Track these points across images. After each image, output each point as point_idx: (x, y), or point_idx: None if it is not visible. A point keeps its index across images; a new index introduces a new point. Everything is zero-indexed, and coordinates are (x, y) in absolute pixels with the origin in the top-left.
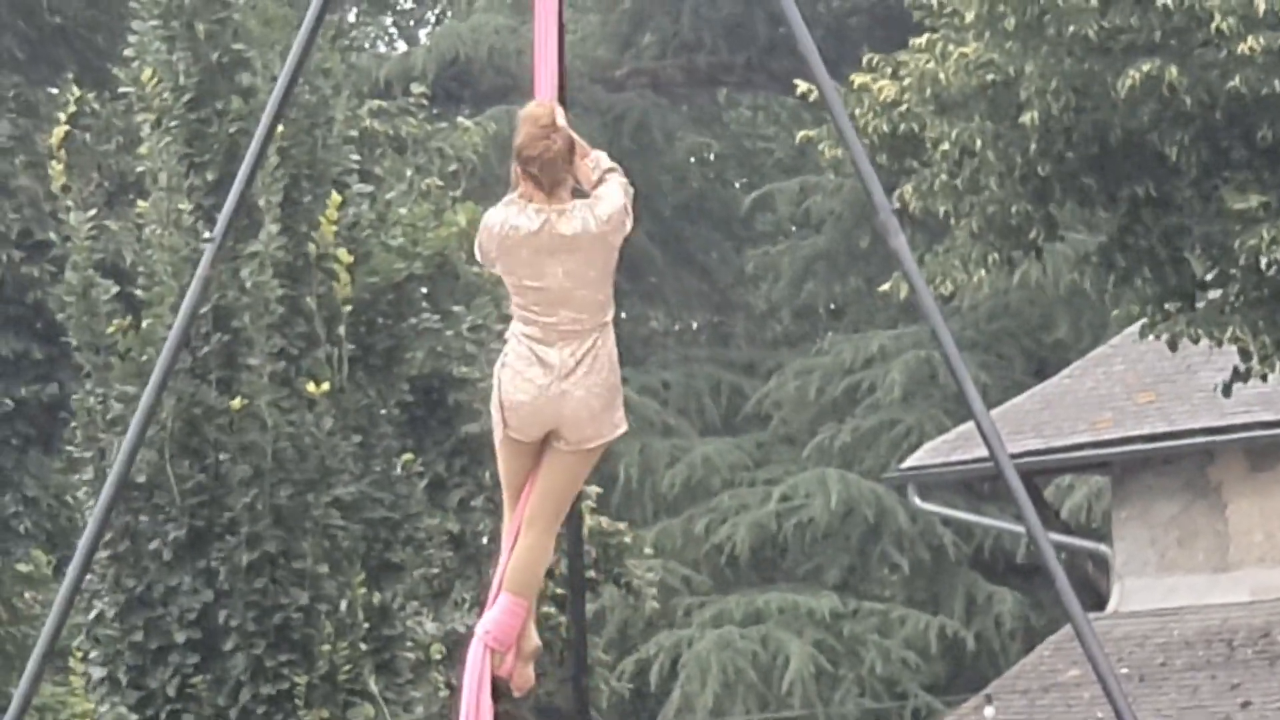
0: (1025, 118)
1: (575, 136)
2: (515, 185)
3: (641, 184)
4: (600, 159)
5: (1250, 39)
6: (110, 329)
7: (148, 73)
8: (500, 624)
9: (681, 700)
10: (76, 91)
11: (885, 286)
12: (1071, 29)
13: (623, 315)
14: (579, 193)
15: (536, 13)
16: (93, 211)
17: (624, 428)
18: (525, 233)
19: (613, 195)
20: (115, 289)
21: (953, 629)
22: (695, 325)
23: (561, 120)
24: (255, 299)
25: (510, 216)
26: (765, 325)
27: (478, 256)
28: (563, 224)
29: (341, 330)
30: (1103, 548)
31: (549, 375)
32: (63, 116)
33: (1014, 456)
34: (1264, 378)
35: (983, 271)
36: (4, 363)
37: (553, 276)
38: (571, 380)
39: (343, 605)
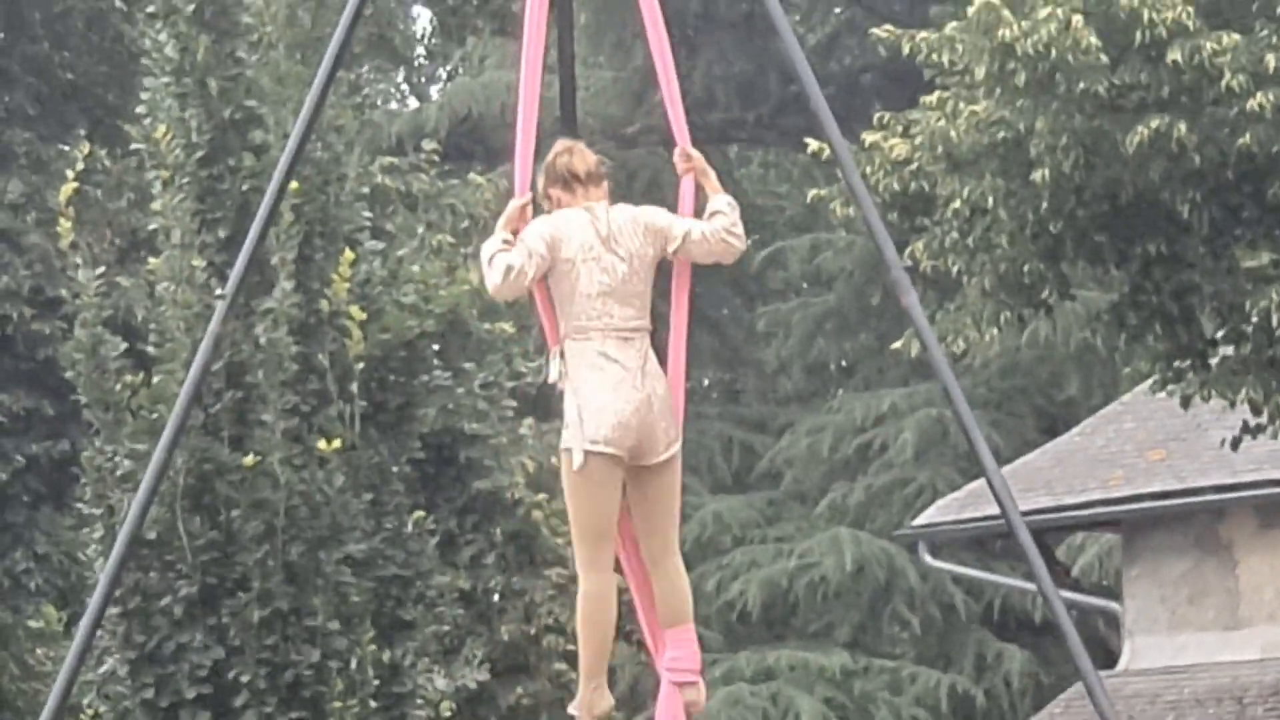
0: (1036, 175)
1: (709, 169)
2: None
3: None
4: (721, 203)
5: (1260, 95)
6: (119, 386)
7: (160, 129)
8: (685, 658)
9: None
10: (86, 148)
11: (897, 344)
12: (1082, 86)
13: None
14: None
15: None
16: (102, 269)
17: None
18: (585, 222)
19: (669, 215)
20: (124, 346)
21: (963, 686)
22: (706, 382)
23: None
24: (269, 355)
25: (560, 218)
26: (776, 382)
27: (514, 272)
28: (614, 213)
29: (354, 387)
30: (1113, 605)
31: (631, 375)
32: (71, 174)
33: (1025, 514)
34: (1276, 435)
35: (994, 329)
36: (15, 419)
37: (617, 270)
38: (649, 378)
39: (353, 662)
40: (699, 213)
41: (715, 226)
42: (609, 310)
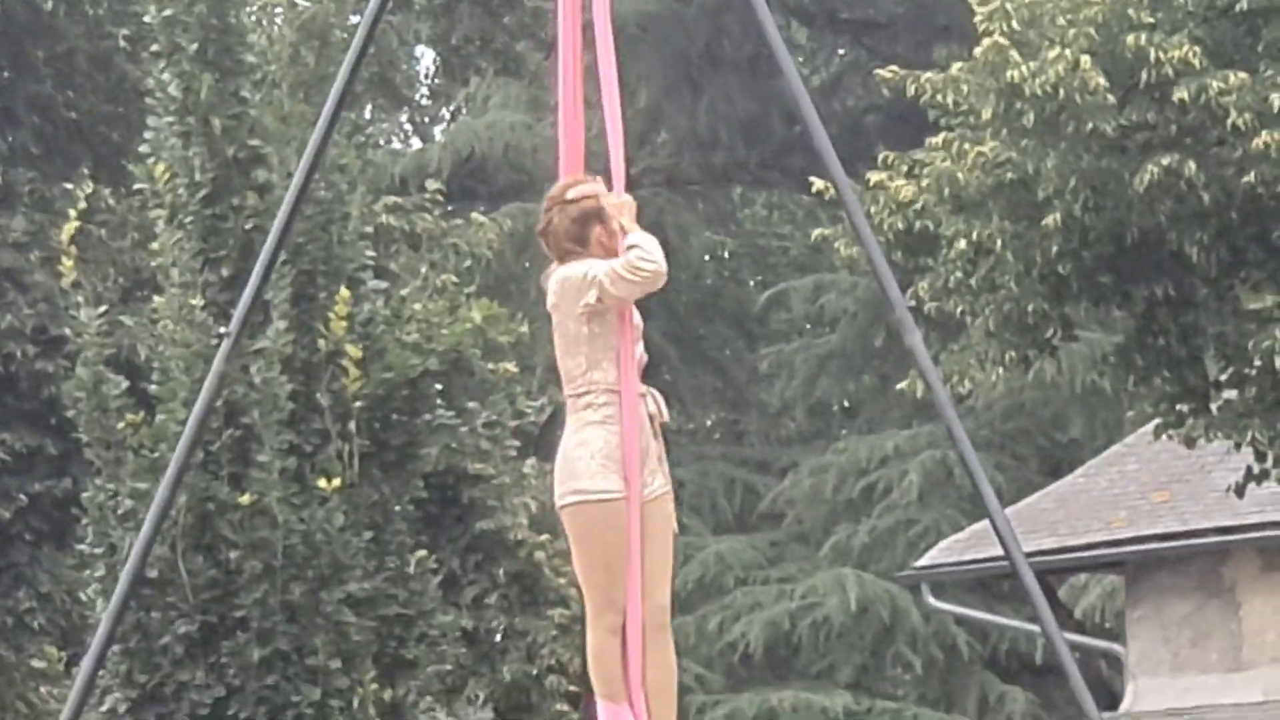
0: (1048, 219)
1: (614, 215)
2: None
3: None
4: (629, 240)
5: (1265, 134)
6: (121, 425)
7: (161, 168)
8: None
9: None
10: (89, 187)
11: (903, 385)
12: (1090, 126)
13: None
14: None
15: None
16: (104, 308)
17: (573, 500)
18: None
19: (577, 266)
20: (125, 384)
21: None
22: (709, 423)
23: (576, 193)
24: (265, 395)
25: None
26: (779, 423)
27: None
28: (552, 277)
29: (353, 426)
30: (1116, 647)
31: None
32: (73, 212)
33: (1028, 555)
34: None
35: (999, 370)
36: (18, 458)
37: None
38: (560, 443)
39: (355, 702)
40: None
41: (624, 259)
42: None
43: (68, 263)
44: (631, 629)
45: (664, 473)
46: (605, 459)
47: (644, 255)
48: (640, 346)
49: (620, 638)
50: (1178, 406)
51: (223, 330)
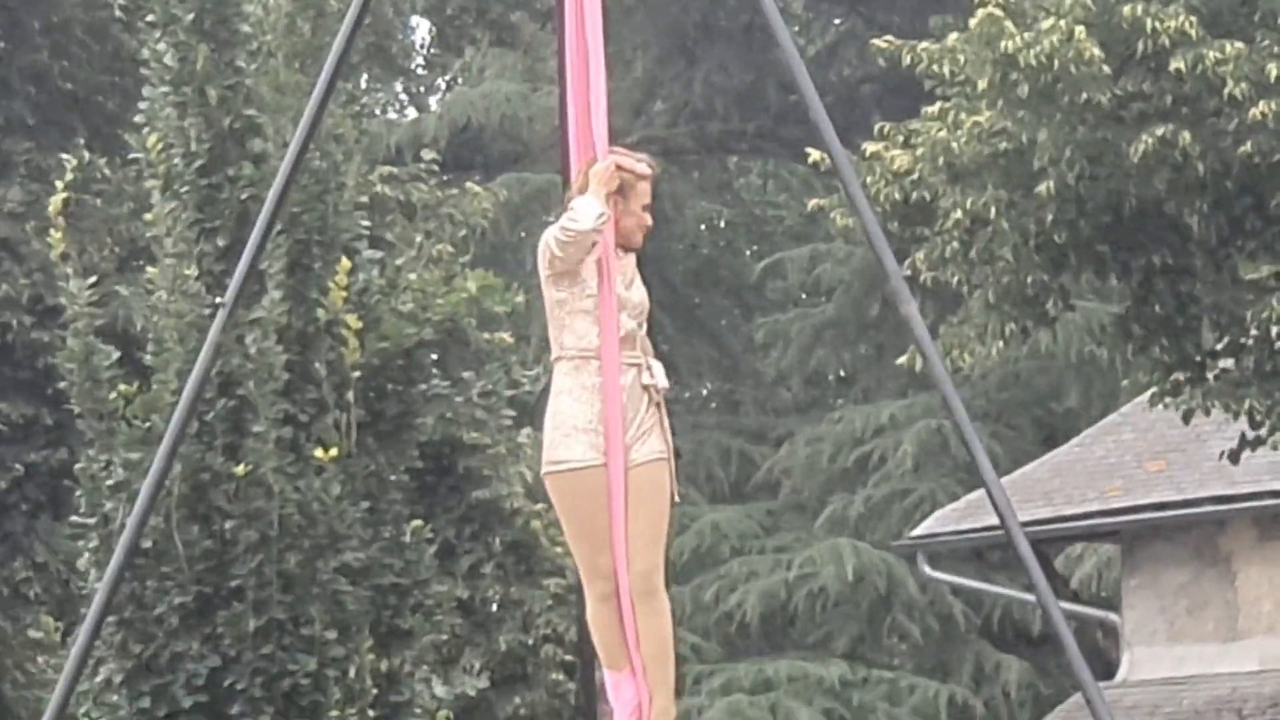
0: (1041, 187)
1: (590, 179)
2: None
3: (652, 251)
4: (572, 202)
5: (1262, 104)
6: (113, 395)
7: (156, 138)
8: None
9: None
10: (80, 157)
11: (901, 359)
12: (1085, 96)
13: None
14: None
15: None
16: (94, 279)
17: (545, 471)
18: None
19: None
20: (117, 355)
21: (962, 697)
22: (705, 392)
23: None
24: (260, 365)
25: None
26: (775, 393)
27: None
28: None
29: (350, 396)
30: (1112, 616)
31: None
32: (61, 184)
33: (1024, 525)
34: (1275, 447)
35: (999, 343)
36: (14, 428)
37: None
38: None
39: (351, 671)
40: None
41: (560, 221)
42: None
43: (56, 234)
44: (622, 597)
45: (663, 439)
46: (571, 428)
47: (572, 216)
48: (625, 315)
49: (613, 605)
50: (1174, 375)
51: (218, 300)
